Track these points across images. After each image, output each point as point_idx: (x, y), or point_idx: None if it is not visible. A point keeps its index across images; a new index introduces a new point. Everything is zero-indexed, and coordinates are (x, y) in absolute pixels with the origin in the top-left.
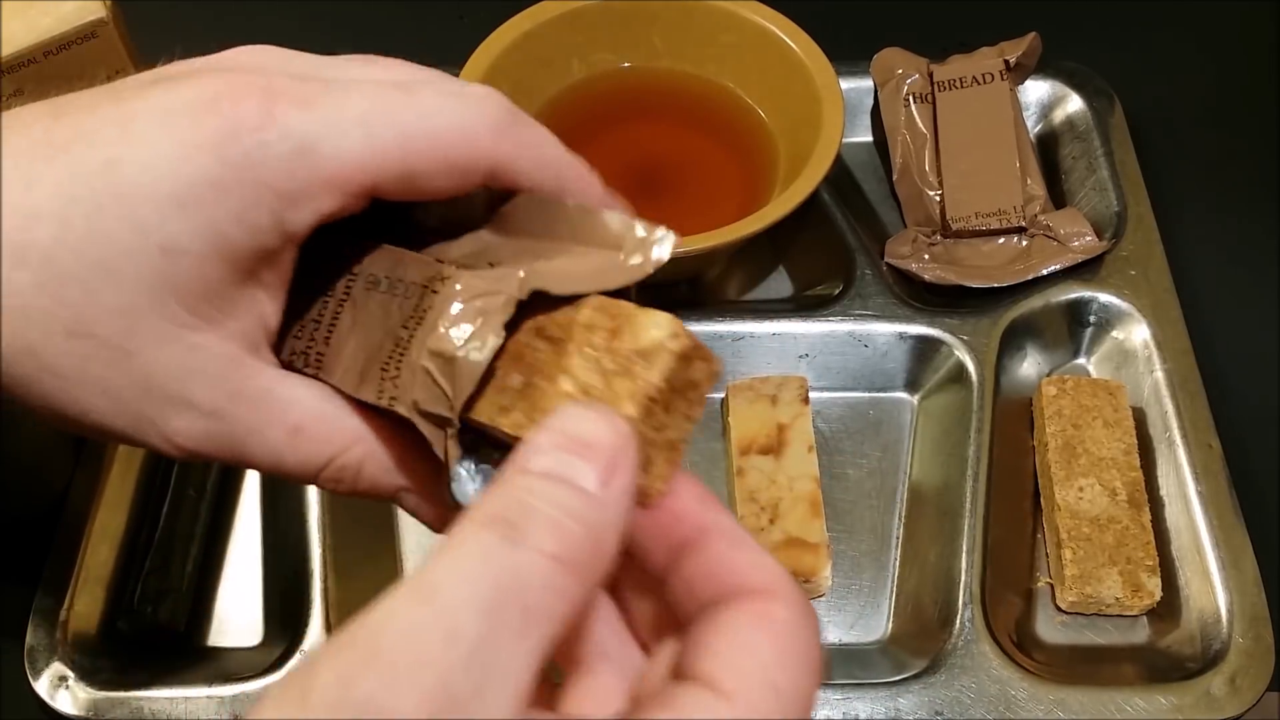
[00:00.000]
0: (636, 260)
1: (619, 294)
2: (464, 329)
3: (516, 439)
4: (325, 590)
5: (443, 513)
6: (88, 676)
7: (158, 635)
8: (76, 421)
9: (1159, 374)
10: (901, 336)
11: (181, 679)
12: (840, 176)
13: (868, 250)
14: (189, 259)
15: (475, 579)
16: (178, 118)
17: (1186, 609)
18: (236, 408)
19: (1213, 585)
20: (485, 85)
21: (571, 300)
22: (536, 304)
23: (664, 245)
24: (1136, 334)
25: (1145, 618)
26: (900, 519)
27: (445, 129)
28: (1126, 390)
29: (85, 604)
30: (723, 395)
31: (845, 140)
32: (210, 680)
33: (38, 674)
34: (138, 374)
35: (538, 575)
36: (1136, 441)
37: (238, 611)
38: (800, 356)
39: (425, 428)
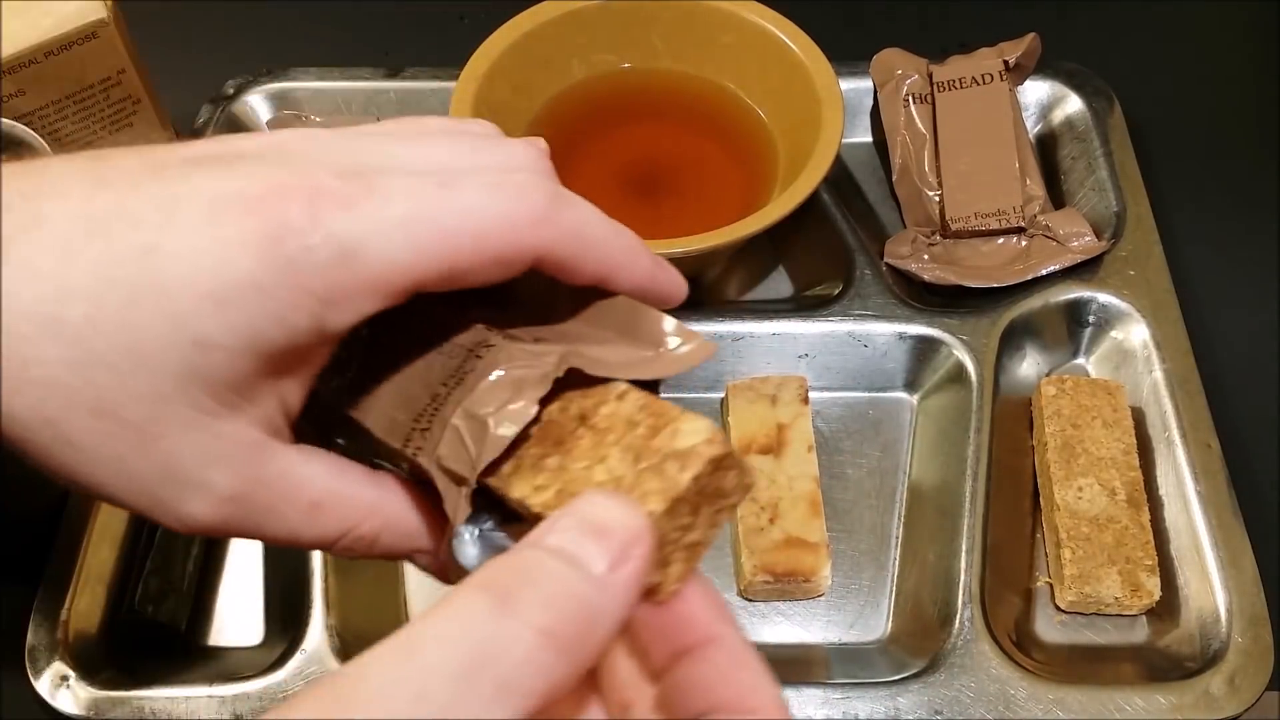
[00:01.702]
0: (666, 360)
1: (647, 385)
2: (500, 397)
3: (541, 518)
4: (325, 590)
5: (450, 569)
6: (88, 676)
7: (158, 635)
8: (88, 491)
9: (1158, 374)
10: (901, 336)
11: (182, 678)
12: (840, 176)
13: (867, 250)
14: (222, 353)
15: (454, 642)
16: (222, 211)
17: (1185, 609)
18: (255, 491)
19: (1212, 585)
20: (528, 169)
21: (620, 396)
22: (587, 393)
23: (693, 353)
24: (1135, 334)
25: (1144, 617)
26: (900, 519)
27: (486, 225)
28: (1125, 390)
29: (86, 603)
30: (722, 395)
31: (845, 140)
32: (211, 680)
33: (38, 673)
34: (158, 458)
35: (520, 648)
36: (1135, 441)
37: (238, 611)
38: (800, 356)
39: (442, 482)
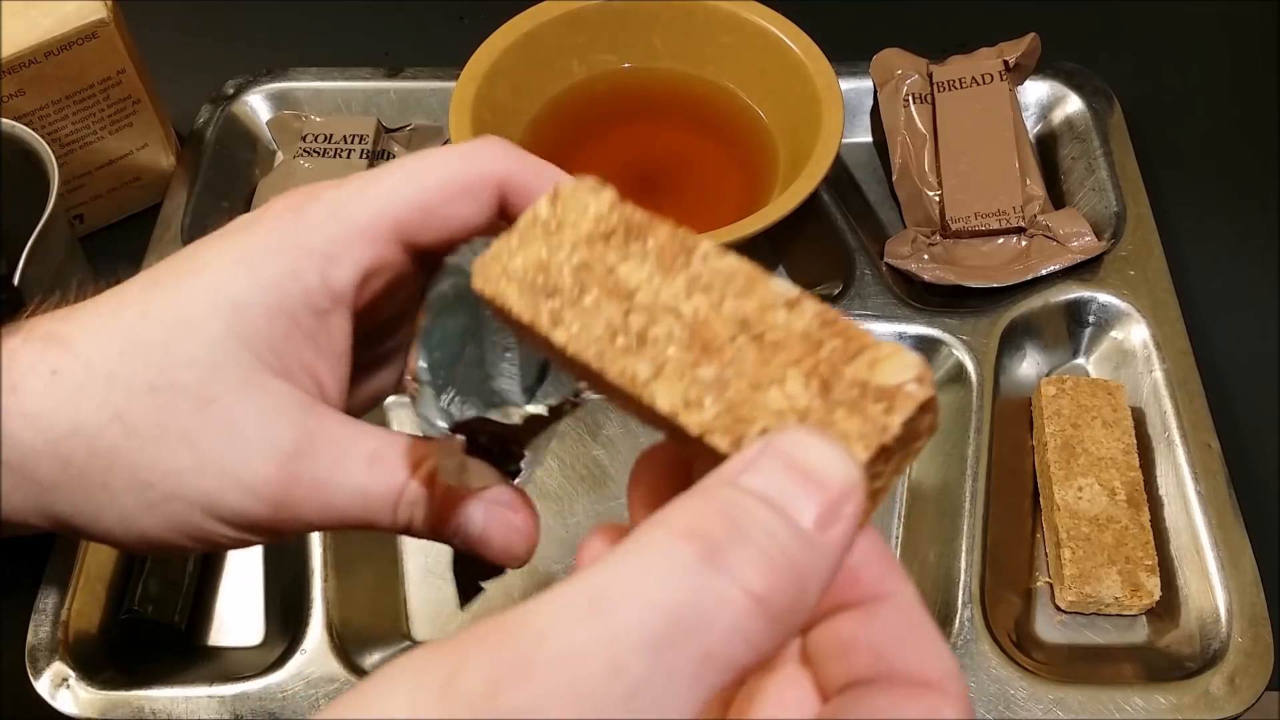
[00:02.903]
0: None
1: None
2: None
3: (700, 440)
4: (325, 590)
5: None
6: (88, 676)
7: (158, 635)
8: (151, 499)
9: (1158, 374)
10: (901, 336)
11: (182, 678)
12: (840, 176)
13: (867, 250)
14: (257, 312)
15: (654, 603)
16: (237, 228)
17: (1185, 608)
18: (317, 443)
19: (1211, 585)
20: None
21: (791, 305)
22: (742, 290)
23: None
24: (1135, 334)
25: (1144, 617)
26: (900, 519)
27: (450, 162)
28: (1125, 390)
29: (86, 604)
30: None
31: (845, 140)
32: (211, 680)
33: (39, 674)
34: (221, 419)
35: (730, 614)
36: (1135, 441)
37: (238, 611)
38: None
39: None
